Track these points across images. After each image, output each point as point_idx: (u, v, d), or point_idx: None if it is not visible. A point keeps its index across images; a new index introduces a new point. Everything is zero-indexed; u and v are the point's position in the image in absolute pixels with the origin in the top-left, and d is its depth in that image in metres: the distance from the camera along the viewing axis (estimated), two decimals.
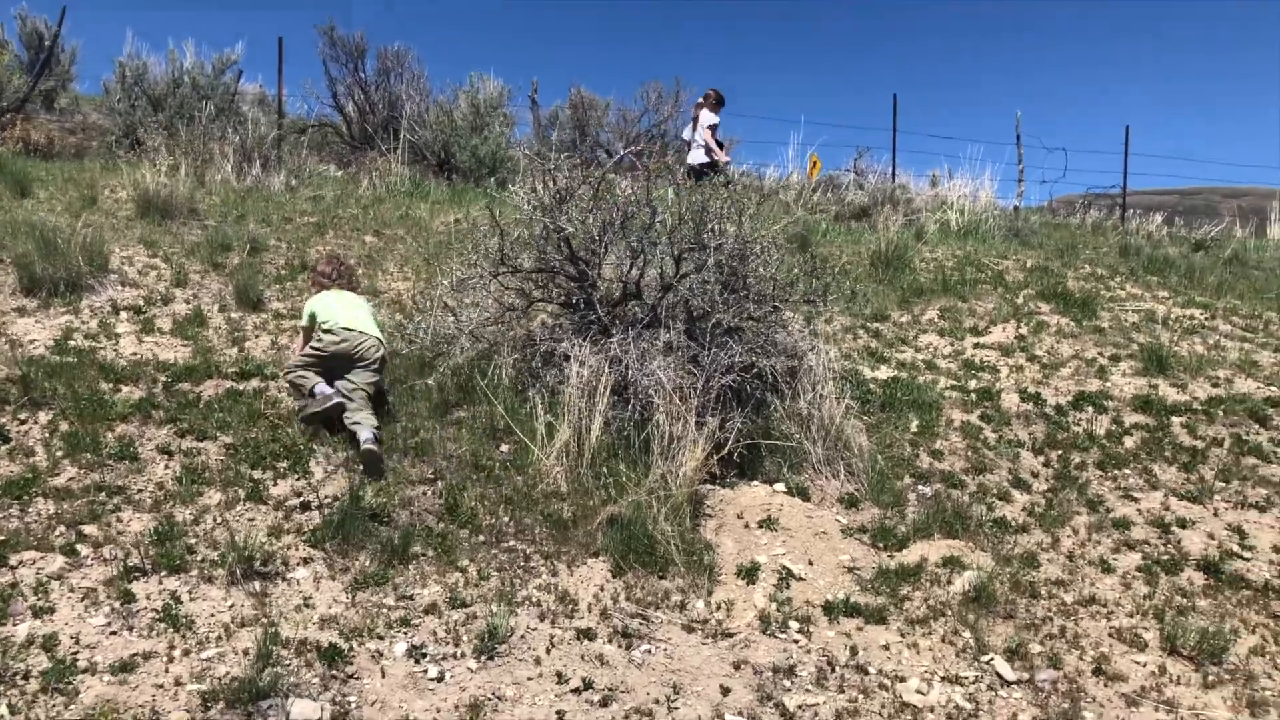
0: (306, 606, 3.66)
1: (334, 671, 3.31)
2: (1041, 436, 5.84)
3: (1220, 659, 3.97)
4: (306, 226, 8.40)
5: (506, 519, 4.41)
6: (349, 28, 13.54)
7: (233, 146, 9.96)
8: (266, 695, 3.08)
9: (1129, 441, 5.87)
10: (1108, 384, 6.65)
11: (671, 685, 3.49)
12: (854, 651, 3.83)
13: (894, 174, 13.75)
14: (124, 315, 5.96)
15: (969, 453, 5.57)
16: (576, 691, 3.40)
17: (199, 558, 3.81)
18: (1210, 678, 3.86)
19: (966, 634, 4.00)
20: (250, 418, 4.87)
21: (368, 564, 3.96)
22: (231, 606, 3.57)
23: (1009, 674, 3.78)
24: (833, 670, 3.72)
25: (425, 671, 3.40)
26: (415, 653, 3.49)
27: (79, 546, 3.75)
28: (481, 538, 4.28)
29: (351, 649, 3.44)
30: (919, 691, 3.62)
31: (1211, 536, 4.97)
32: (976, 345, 7.27)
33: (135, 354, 5.43)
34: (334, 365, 4.94)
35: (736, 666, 3.66)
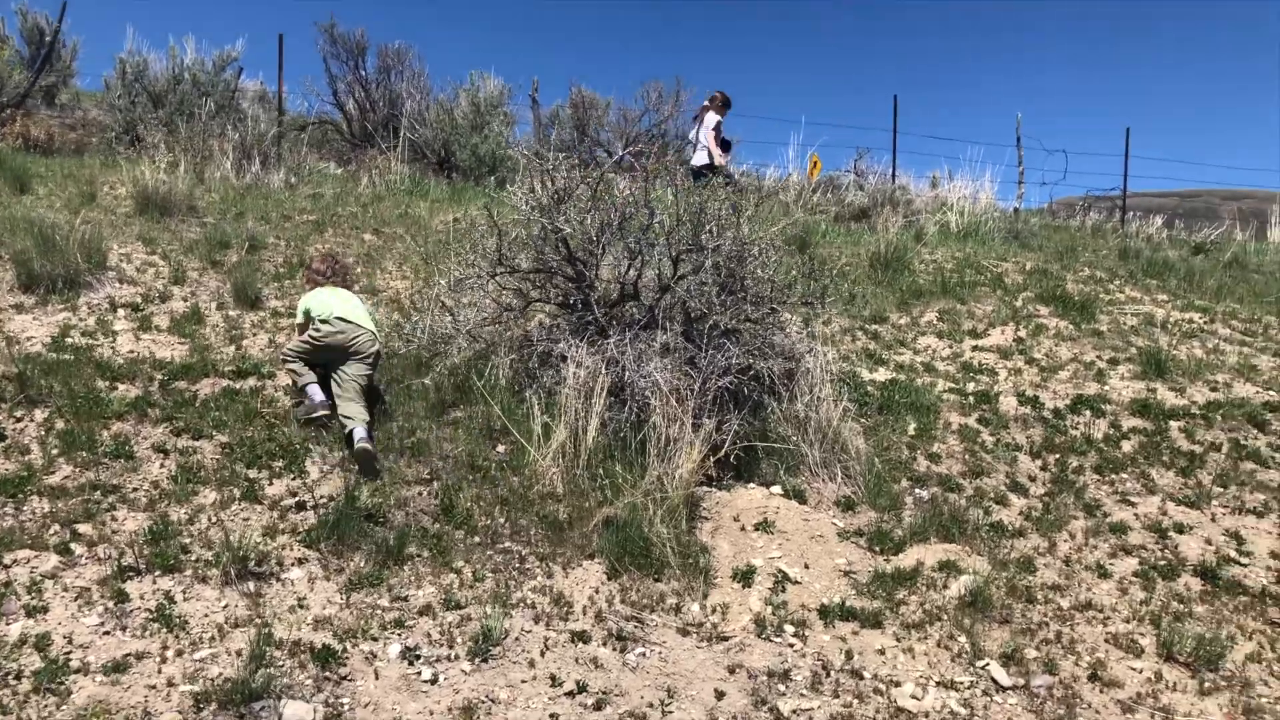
0: (300, 607, 3.65)
1: (327, 673, 3.31)
2: (1039, 440, 5.83)
3: (1217, 665, 3.96)
4: (305, 224, 8.39)
5: (502, 520, 4.40)
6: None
7: (232, 143, 9.94)
8: (259, 697, 3.08)
9: (1127, 446, 5.86)
10: (1106, 387, 6.64)
11: (666, 689, 3.48)
12: (849, 656, 3.82)
13: (894, 175, 13.74)
14: (121, 313, 5.95)
15: (966, 456, 5.56)
16: (570, 694, 3.39)
17: (193, 557, 3.80)
18: (1206, 684, 3.85)
19: (962, 639, 3.99)
20: (246, 416, 4.86)
21: (362, 565, 3.96)
22: (225, 607, 3.57)
23: (1004, 679, 3.77)
24: (828, 674, 3.71)
25: (419, 673, 3.39)
26: (409, 654, 3.48)
27: (73, 545, 3.74)
28: (477, 539, 4.28)
29: (345, 650, 3.43)
30: (914, 697, 3.62)
31: (1209, 542, 4.96)
32: (975, 348, 7.26)
33: (132, 351, 5.42)
34: (329, 357, 4.96)
35: (731, 670, 3.66)
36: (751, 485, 4.96)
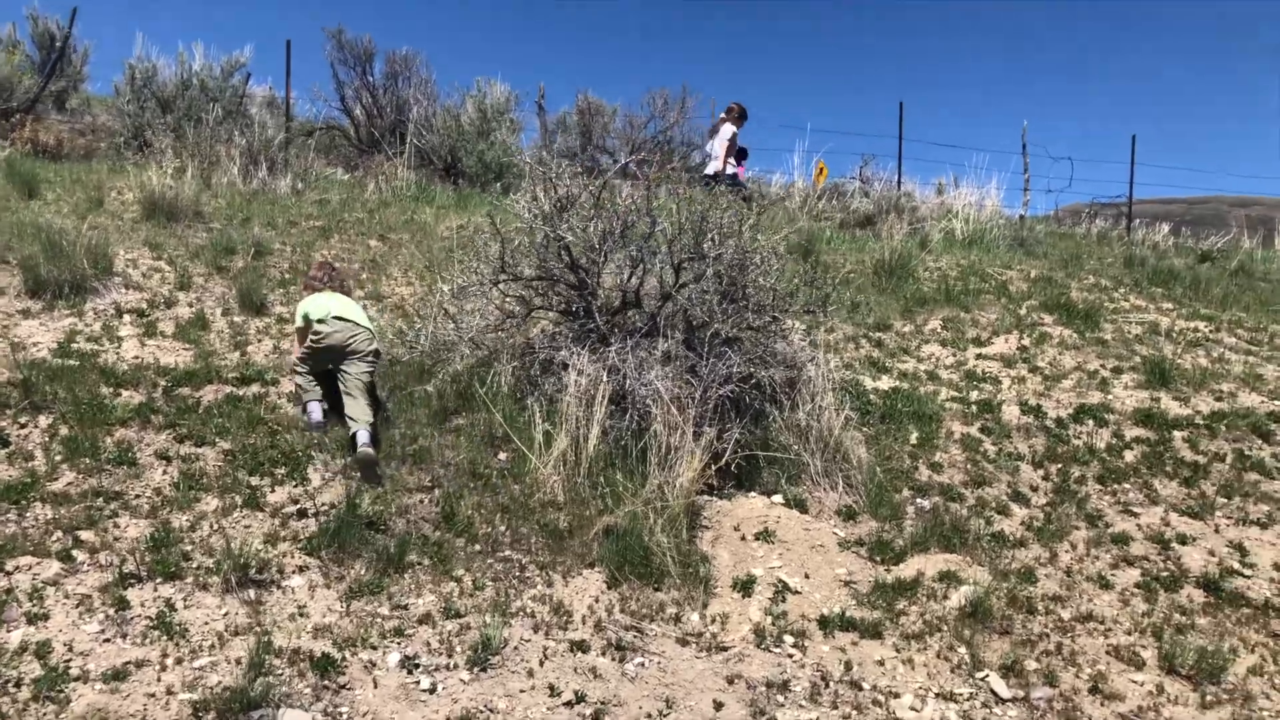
0: (300, 615, 3.66)
1: (326, 681, 3.32)
2: (1041, 450, 5.82)
3: (1218, 678, 3.95)
4: (312, 230, 8.43)
5: (503, 528, 4.41)
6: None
7: (239, 149, 9.99)
8: (258, 705, 3.09)
9: (1129, 455, 5.84)
10: (1109, 396, 6.62)
11: (664, 699, 3.49)
12: (848, 667, 3.82)
13: (899, 182, 13.73)
14: (127, 318, 5.98)
15: (968, 465, 5.55)
16: (569, 704, 3.40)
17: (194, 565, 3.82)
18: (1208, 697, 3.84)
19: (962, 650, 3.98)
20: (249, 423, 4.88)
21: (363, 572, 3.97)
22: (226, 614, 3.58)
23: (1004, 691, 3.76)
24: (826, 685, 3.71)
25: (417, 682, 3.40)
26: (408, 663, 3.49)
27: (75, 552, 3.76)
28: (477, 547, 4.29)
29: (344, 659, 3.44)
30: (912, 708, 3.61)
31: (1212, 553, 4.94)
32: (979, 356, 7.25)
33: (137, 358, 5.45)
34: (329, 358, 5.01)
35: (730, 681, 3.66)
36: (753, 494, 4.96)
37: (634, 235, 5.31)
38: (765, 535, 4.61)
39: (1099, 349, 7.48)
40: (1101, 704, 3.75)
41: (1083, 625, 4.28)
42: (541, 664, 3.60)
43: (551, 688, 3.46)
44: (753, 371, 5.12)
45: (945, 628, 4.10)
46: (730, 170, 9.77)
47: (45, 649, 3.23)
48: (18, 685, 3.05)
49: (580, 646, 3.73)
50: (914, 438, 5.74)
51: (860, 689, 3.71)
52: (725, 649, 3.88)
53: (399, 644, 3.59)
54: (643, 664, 3.69)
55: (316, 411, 4.93)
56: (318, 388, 5.06)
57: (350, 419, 4.77)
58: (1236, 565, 4.83)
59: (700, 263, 5.21)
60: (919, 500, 5.18)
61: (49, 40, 13.44)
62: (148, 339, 5.75)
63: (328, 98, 13.27)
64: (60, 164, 9.96)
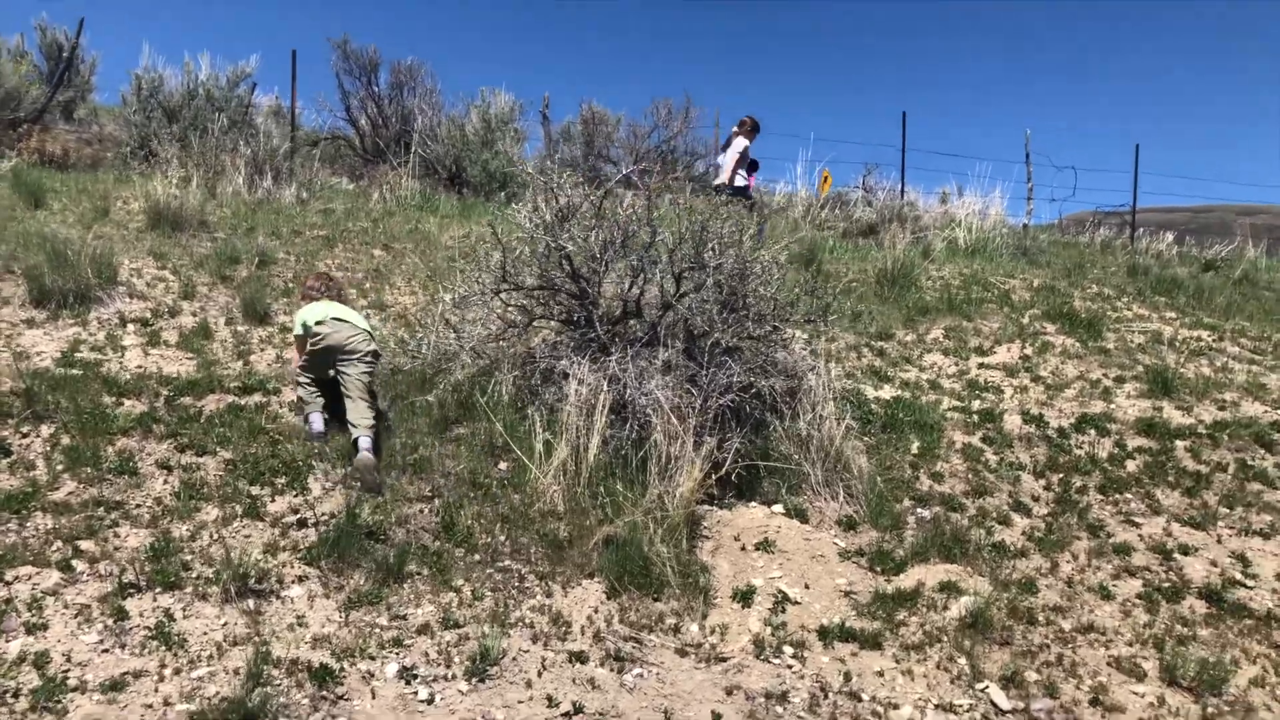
0: (299, 625, 3.66)
1: (324, 692, 3.32)
2: (1043, 459, 5.80)
3: (1220, 690, 3.92)
4: (316, 239, 8.46)
5: (503, 538, 4.41)
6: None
7: (244, 159, 10.04)
8: (255, 716, 3.09)
9: (1131, 465, 5.83)
10: (1112, 406, 6.60)
11: (663, 710, 3.48)
12: (847, 678, 3.81)
13: (902, 191, 13.75)
14: (131, 328, 6.01)
15: (969, 475, 5.54)
16: (567, 715, 3.39)
17: (194, 574, 3.83)
18: (1209, 709, 3.81)
19: (962, 661, 3.97)
20: (251, 433, 4.90)
21: (362, 582, 3.97)
22: (224, 625, 3.59)
23: (1004, 703, 3.75)
24: (825, 696, 3.70)
25: (415, 693, 3.40)
26: (406, 674, 3.49)
27: (75, 562, 3.77)
28: (477, 557, 4.29)
29: (342, 669, 3.44)
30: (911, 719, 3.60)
31: (1214, 564, 4.92)
32: (981, 365, 7.24)
33: (140, 367, 5.47)
34: (328, 360, 5.05)
35: (729, 692, 3.65)
36: (753, 504, 4.95)
37: (635, 245, 5.32)
38: (765, 545, 4.60)
39: (1102, 358, 7.46)
40: (1102, 716, 3.73)
41: (1084, 636, 4.26)
42: (540, 674, 3.60)
43: (550, 698, 3.46)
44: (753, 381, 5.13)
45: (945, 638, 4.09)
46: (740, 182, 9.82)
47: (44, 659, 3.23)
48: (15, 696, 3.06)
49: (579, 657, 3.73)
50: (915, 447, 5.74)
51: (859, 700, 3.70)
52: (724, 660, 3.87)
53: (397, 654, 3.59)
54: (641, 675, 3.69)
55: (318, 422, 4.96)
56: (320, 398, 5.08)
57: (352, 425, 4.81)
58: (1239, 576, 4.81)
59: (701, 272, 5.22)
60: (920, 510, 5.17)
61: (57, 51, 13.56)
62: (151, 348, 5.77)
63: (333, 108, 13.37)
64: (67, 174, 10.02)
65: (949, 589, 4.39)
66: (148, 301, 6.43)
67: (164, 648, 3.40)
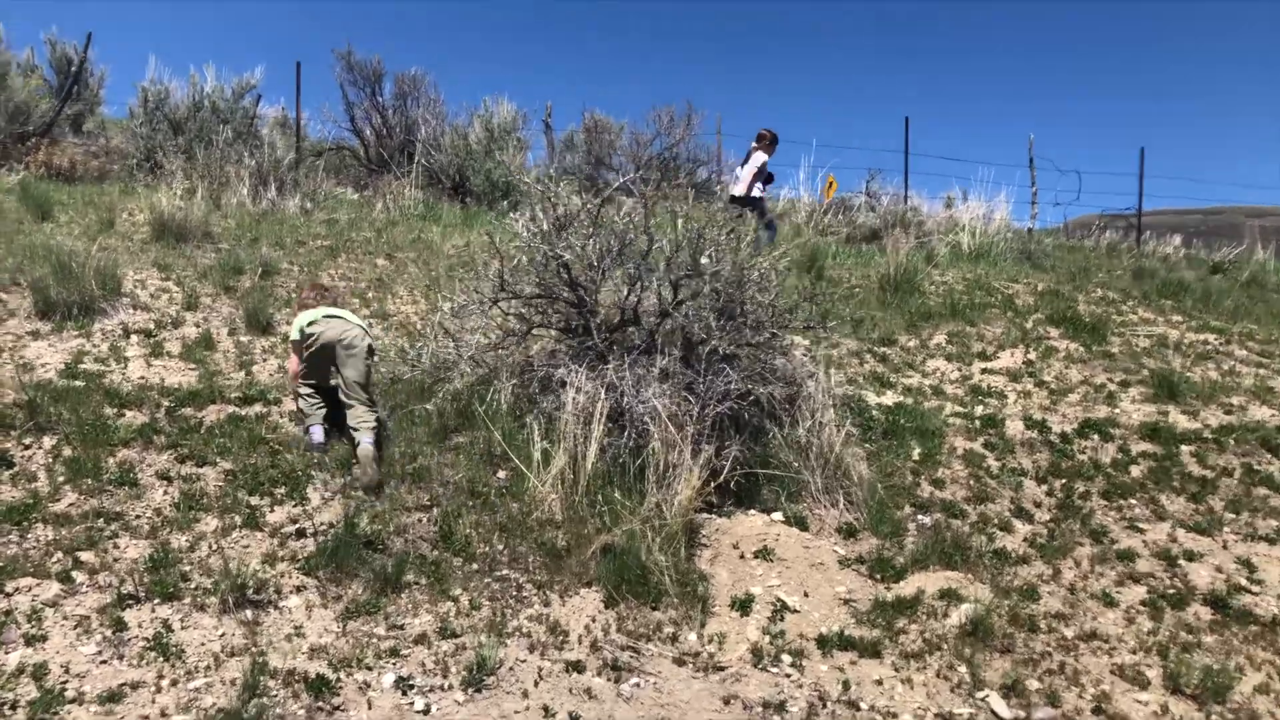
0: (297, 636, 3.67)
1: (320, 703, 3.32)
2: (1045, 465, 5.77)
3: (1224, 697, 3.88)
4: (319, 250, 8.50)
5: (500, 547, 4.41)
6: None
7: (249, 170, 10.10)
8: None
9: (1136, 470, 5.79)
10: (1116, 410, 6.56)
11: None
12: (846, 686, 3.79)
13: (906, 196, 13.73)
14: (134, 339, 6.05)
15: (971, 481, 5.51)
16: None
17: (193, 585, 3.84)
18: (1213, 717, 3.78)
19: (962, 669, 3.94)
20: (251, 443, 4.92)
21: (360, 592, 3.98)
22: (222, 635, 3.60)
23: (1004, 712, 3.72)
24: (824, 706, 3.68)
25: (411, 704, 3.40)
26: (403, 684, 3.49)
27: (75, 573, 3.79)
28: (475, 566, 4.29)
29: (339, 680, 3.44)
30: None
31: (1219, 570, 4.88)
32: (984, 371, 7.21)
33: (142, 378, 5.50)
34: (326, 357, 5.07)
35: (726, 701, 3.63)
36: (752, 512, 4.94)
37: (632, 252, 5.32)
38: (764, 553, 4.59)
39: (1106, 362, 7.42)
40: None
41: (1086, 644, 4.23)
42: (536, 684, 3.59)
43: (546, 709, 3.45)
44: (751, 388, 5.12)
45: (945, 646, 4.06)
46: (756, 194, 9.87)
47: (42, 671, 3.25)
48: (13, 708, 3.07)
49: (576, 667, 3.72)
50: (916, 453, 5.71)
51: (858, 709, 3.67)
52: (722, 669, 3.85)
53: (394, 664, 3.59)
54: (638, 684, 3.68)
55: (318, 433, 4.97)
56: (322, 409, 5.09)
57: (353, 429, 4.87)
58: (1244, 582, 4.77)
59: (698, 279, 5.22)
60: (920, 517, 5.15)
61: (66, 65, 13.68)
62: (154, 359, 5.81)
63: (338, 118, 13.45)
64: (74, 186, 10.10)
65: (949, 596, 4.37)
66: (151, 313, 6.47)
67: (161, 659, 3.41)
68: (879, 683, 3.84)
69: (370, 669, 3.54)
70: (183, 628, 3.60)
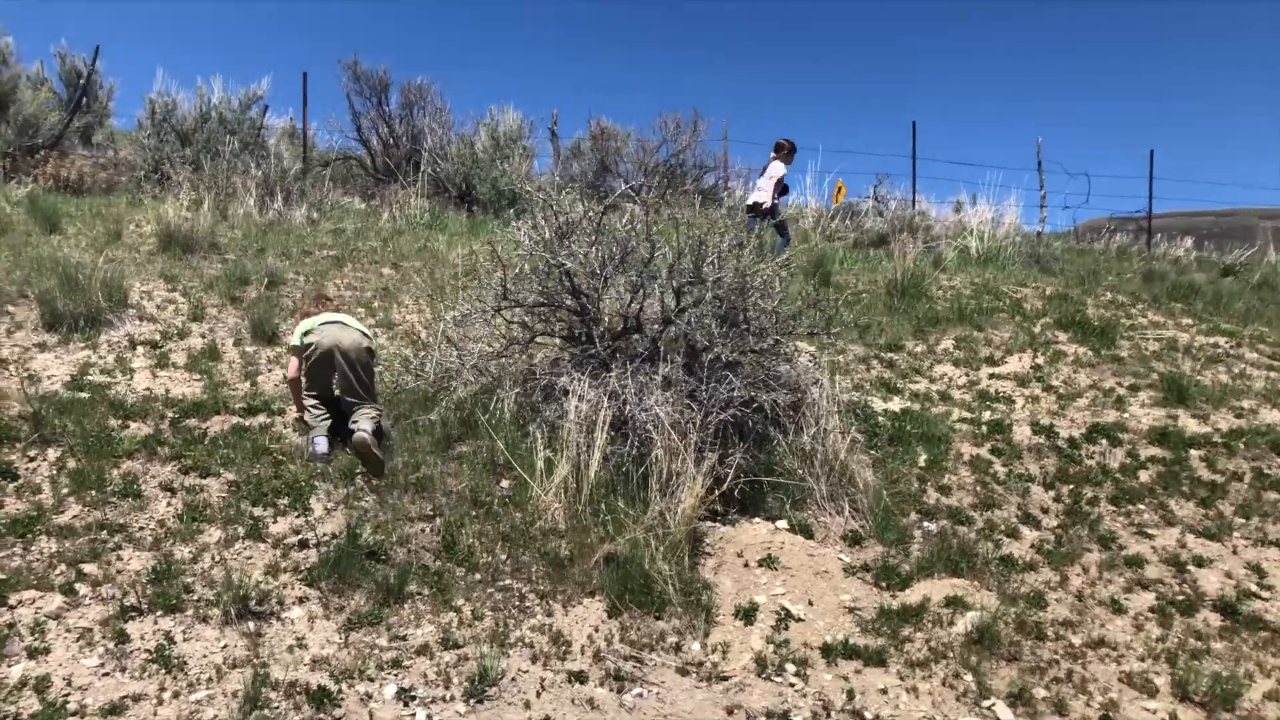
0: (299, 647, 3.67)
1: (321, 714, 3.31)
2: (1053, 470, 5.73)
3: (1233, 705, 3.84)
4: (326, 259, 8.53)
5: (504, 557, 4.40)
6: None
7: (255, 180, 10.15)
8: None
9: (1144, 475, 5.74)
10: (1125, 415, 6.51)
11: None
12: (850, 695, 3.76)
13: (914, 200, 13.68)
14: (140, 350, 6.08)
15: (977, 488, 5.47)
16: None
17: (195, 597, 3.84)
18: None
19: (968, 677, 3.91)
20: (255, 454, 4.93)
21: (362, 603, 3.97)
22: (224, 647, 3.59)
23: None
24: (828, 715, 3.65)
25: (413, 715, 3.39)
26: (404, 695, 3.48)
27: (78, 586, 3.80)
28: (478, 576, 4.28)
29: (340, 691, 3.44)
30: None
31: (1229, 575, 4.83)
32: (992, 375, 7.17)
33: (147, 389, 5.52)
34: (327, 362, 5.09)
35: (730, 711, 3.61)
36: (756, 520, 4.92)
37: (634, 260, 5.32)
38: (769, 561, 4.56)
39: (1115, 367, 7.37)
40: None
41: (1094, 651, 4.19)
42: (539, 695, 3.57)
43: (548, 719, 3.44)
44: (754, 395, 5.10)
45: (951, 655, 4.03)
46: (761, 199, 9.86)
47: (44, 683, 3.25)
48: None
49: (578, 677, 3.70)
50: (922, 460, 5.68)
51: (863, 718, 3.65)
52: (726, 678, 3.83)
53: (396, 675, 3.58)
54: (641, 694, 3.66)
55: (322, 444, 4.97)
56: (327, 419, 5.09)
57: (353, 423, 4.94)
58: (1254, 587, 4.72)
59: (700, 287, 5.20)
60: (926, 524, 5.11)
61: (76, 77, 13.80)
62: (159, 370, 5.83)
63: (344, 128, 13.51)
64: (82, 198, 10.17)
65: (955, 604, 4.34)
66: (157, 324, 6.50)
67: (164, 671, 3.41)
68: (884, 692, 3.81)
69: (372, 680, 3.53)
70: (185, 639, 3.60)
